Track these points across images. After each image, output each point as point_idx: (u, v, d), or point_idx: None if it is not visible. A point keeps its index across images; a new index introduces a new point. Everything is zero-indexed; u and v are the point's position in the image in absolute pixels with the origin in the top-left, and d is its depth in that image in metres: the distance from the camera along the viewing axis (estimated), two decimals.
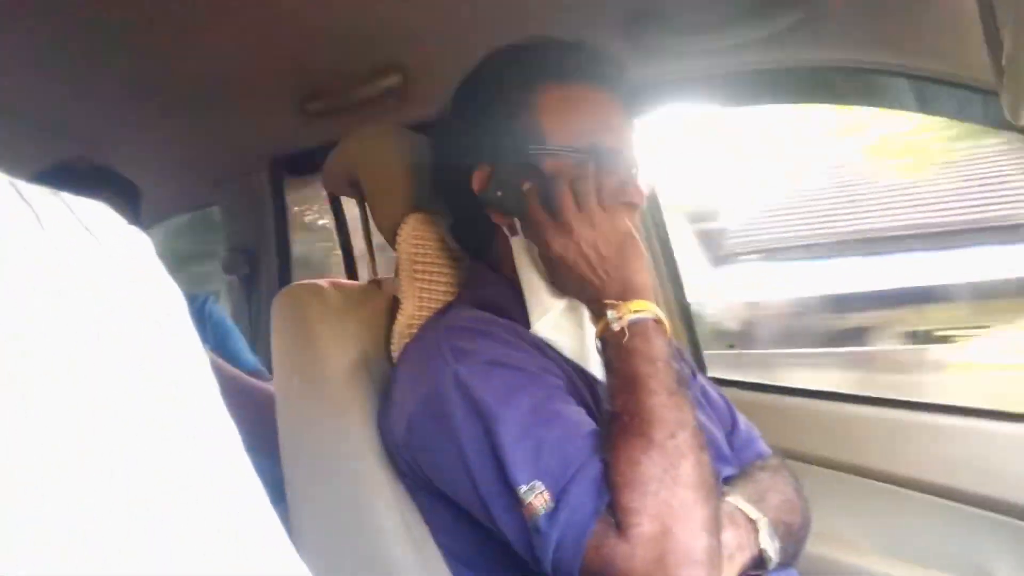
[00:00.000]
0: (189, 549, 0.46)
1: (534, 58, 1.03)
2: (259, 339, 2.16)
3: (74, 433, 0.43)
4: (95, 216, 0.48)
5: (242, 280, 2.30)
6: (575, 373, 0.95)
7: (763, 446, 1.15)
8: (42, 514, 0.41)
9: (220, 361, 1.62)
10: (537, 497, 0.78)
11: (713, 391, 1.20)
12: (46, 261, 0.44)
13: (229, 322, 1.99)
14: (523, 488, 0.78)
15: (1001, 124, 1.23)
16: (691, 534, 0.74)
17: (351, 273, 1.87)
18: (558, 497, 0.77)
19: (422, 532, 1.01)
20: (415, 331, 1.07)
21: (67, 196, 0.48)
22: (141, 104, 1.80)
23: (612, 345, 0.86)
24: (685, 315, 1.66)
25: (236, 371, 1.67)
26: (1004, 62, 0.81)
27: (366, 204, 1.30)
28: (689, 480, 0.77)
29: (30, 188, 0.47)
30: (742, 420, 1.17)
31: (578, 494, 0.77)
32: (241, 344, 1.91)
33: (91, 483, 0.44)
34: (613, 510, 0.76)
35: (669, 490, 0.76)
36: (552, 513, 0.77)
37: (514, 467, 0.79)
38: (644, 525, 0.74)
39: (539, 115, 1.00)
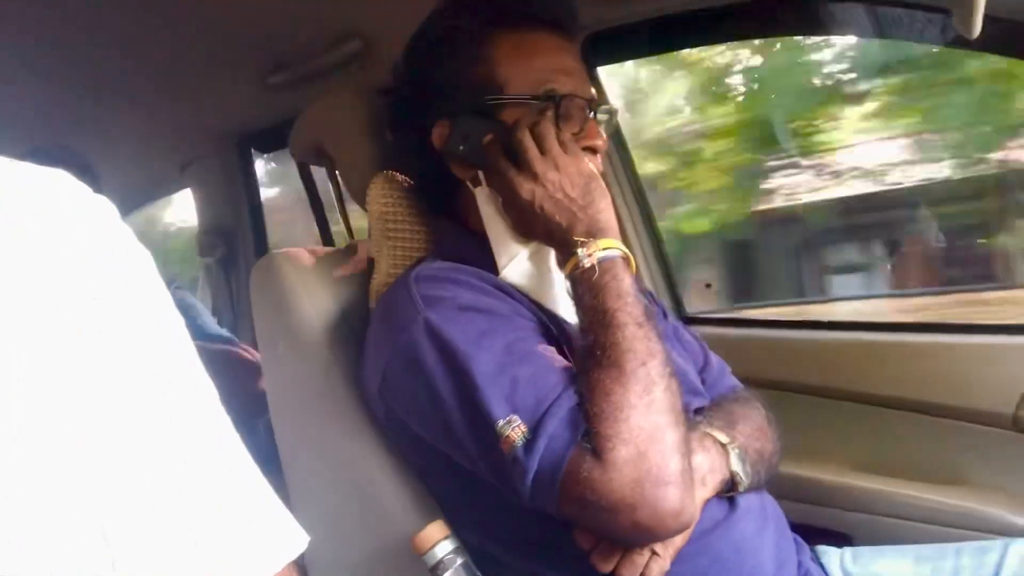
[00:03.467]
0: (183, 517, 0.48)
1: (483, 7, 1.03)
2: (242, 318, 2.17)
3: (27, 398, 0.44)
4: (51, 187, 0.49)
5: (219, 262, 2.31)
6: (544, 316, 0.96)
7: (734, 381, 1.19)
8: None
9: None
10: (515, 430, 0.80)
11: (686, 331, 1.24)
12: None
13: (190, 299, 2.03)
14: (500, 422, 0.81)
15: (957, 42, 1.24)
16: (664, 456, 0.77)
17: (326, 240, 1.89)
18: (535, 428, 0.80)
19: (415, 480, 1.03)
20: None
21: (24, 167, 0.49)
22: (104, 93, 1.78)
23: (582, 282, 0.88)
24: (659, 255, 1.68)
25: (204, 344, 1.70)
26: None
27: (336, 171, 1.31)
28: (660, 406, 0.80)
29: None
30: (714, 357, 1.21)
31: (555, 424, 0.80)
32: (204, 317, 1.95)
33: (62, 448, 0.45)
34: (589, 438, 0.79)
35: (642, 416, 0.78)
36: (530, 443, 0.79)
37: (490, 403, 0.82)
38: (619, 449, 0.77)
39: (494, 65, 1.00)
